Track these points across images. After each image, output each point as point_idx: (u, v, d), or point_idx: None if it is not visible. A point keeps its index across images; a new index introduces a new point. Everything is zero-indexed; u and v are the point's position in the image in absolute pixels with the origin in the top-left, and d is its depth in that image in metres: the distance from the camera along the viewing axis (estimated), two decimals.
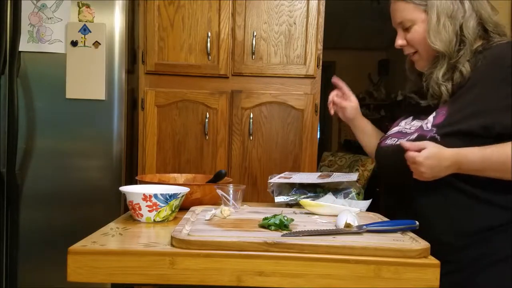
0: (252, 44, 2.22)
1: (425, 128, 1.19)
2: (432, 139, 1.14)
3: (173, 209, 1.21)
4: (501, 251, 1.14)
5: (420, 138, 1.17)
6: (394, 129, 1.35)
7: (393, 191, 1.30)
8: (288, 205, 1.41)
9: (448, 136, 1.14)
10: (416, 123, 1.27)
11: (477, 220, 1.15)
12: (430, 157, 1.09)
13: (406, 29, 1.26)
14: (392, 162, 1.25)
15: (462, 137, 1.13)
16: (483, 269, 1.14)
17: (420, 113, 1.29)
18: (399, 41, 1.29)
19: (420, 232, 1.03)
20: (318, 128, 2.30)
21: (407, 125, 1.31)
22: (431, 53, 1.23)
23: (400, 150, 1.21)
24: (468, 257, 1.15)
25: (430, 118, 1.21)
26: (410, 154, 1.11)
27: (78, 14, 2.11)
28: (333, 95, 1.47)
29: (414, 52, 1.28)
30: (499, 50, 1.17)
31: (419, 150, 1.10)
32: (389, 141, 1.31)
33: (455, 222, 1.16)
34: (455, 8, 1.19)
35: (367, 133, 1.50)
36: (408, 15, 1.24)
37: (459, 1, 1.19)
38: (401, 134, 1.29)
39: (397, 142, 1.26)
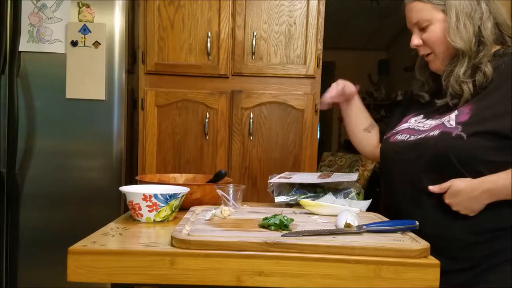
0: (252, 44, 2.22)
1: (448, 126, 1.17)
2: (458, 137, 1.13)
3: (173, 209, 1.21)
4: None
5: (444, 134, 1.16)
6: (404, 125, 1.34)
7: (400, 187, 1.28)
8: (288, 205, 1.41)
9: (475, 135, 1.13)
10: (431, 122, 1.26)
11: (491, 218, 1.14)
12: (454, 194, 1.12)
13: (422, 29, 1.25)
14: (405, 158, 1.24)
15: (489, 136, 1.12)
16: (495, 266, 1.14)
17: (433, 113, 1.28)
18: (415, 41, 1.28)
19: (431, 229, 1.03)
20: (318, 128, 2.30)
21: (419, 123, 1.30)
22: (447, 53, 1.23)
23: (415, 146, 1.20)
24: (480, 254, 1.15)
25: (452, 116, 1.19)
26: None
27: (78, 14, 2.11)
28: (339, 89, 1.45)
29: (429, 52, 1.27)
30: None
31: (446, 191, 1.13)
32: (399, 137, 1.29)
33: (468, 219, 1.15)
34: (473, 9, 1.20)
35: (361, 112, 1.52)
36: (425, 15, 1.23)
37: (476, 2, 1.20)
38: (413, 131, 1.27)
39: (410, 138, 1.25)
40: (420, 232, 1.03)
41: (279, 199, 1.41)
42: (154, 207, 1.17)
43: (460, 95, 1.21)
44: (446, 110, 1.24)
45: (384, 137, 1.39)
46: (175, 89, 2.23)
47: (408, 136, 1.26)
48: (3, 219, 2.06)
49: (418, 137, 1.23)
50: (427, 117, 1.30)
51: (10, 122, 2.03)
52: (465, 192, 1.11)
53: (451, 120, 1.19)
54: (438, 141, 1.16)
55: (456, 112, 1.20)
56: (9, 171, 2.03)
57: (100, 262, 0.90)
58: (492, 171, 1.13)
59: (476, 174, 1.13)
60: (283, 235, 0.95)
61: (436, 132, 1.19)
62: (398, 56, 5.78)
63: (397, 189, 1.28)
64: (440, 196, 1.16)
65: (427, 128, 1.24)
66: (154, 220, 1.18)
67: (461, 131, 1.14)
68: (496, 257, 1.14)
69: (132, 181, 2.17)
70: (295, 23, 2.24)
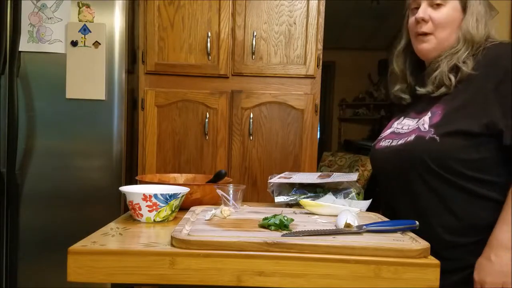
0: (252, 44, 2.22)
1: (422, 129, 1.19)
2: (432, 140, 1.15)
3: (173, 209, 1.21)
4: None
5: (418, 139, 1.18)
6: (388, 131, 1.36)
7: (392, 192, 1.30)
8: (288, 205, 1.41)
9: (448, 135, 1.14)
10: (408, 122, 1.28)
11: (480, 218, 1.15)
12: (477, 268, 1.11)
13: (432, 7, 1.25)
14: (389, 163, 1.26)
15: (461, 136, 1.13)
16: None
17: (410, 111, 1.30)
18: (422, 14, 1.25)
19: (422, 231, 1.03)
20: (318, 128, 2.30)
21: (399, 125, 1.32)
22: (445, 39, 1.24)
23: (396, 152, 1.22)
24: (471, 253, 1.15)
25: (426, 118, 1.21)
26: None
27: (78, 14, 2.11)
28: None
29: (428, 33, 1.26)
30: (496, 50, 1.19)
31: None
32: (383, 143, 1.31)
33: (457, 220, 1.16)
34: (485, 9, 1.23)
35: None
36: None
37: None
38: (395, 135, 1.29)
39: (392, 143, 1.26)
40: (418, 232, 1.03)
41: (279, 199, 1.41)
42: (154, 207, 1.17)
43: (441, 84, 1.21)
44: (421, 109, 1.25)
45: (372, 144, 1.40)
46: (175, 89, 2.23)
47: (391, 141, 1.29)
48: (3, 219, 2.06)
49: (399, 142, 1.24)
50: (405, 116, 1.32)
51: (10, 122, 2.02)
52: (482, 259, 1.11)
53: (425, 123, 1.20)
54: (414, 146, 1.18)
55: (429, 114, 1.21)
56: (9, 171, 2.03)
57: (100, 262, 0.89)
58: (469, 169, 1.14)
59: (454, 173, 1.15)
60: (283, 235, 0.95)
61: (412, 137, 1.20)
62: None
63: (390, 193, 1.30)
64: (431, 198, 1.18)
65: (405, 131, 1.26)
66: (154, 220, 1.18)
67: (434, 134, 1.15)
68: None
69: (132, 181, 2.17)
70: (295, 23, 2.24)
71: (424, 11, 1.25)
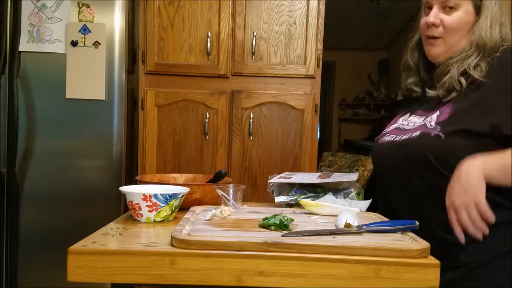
0: (252, 44, 2.22)
1: (428, 126, 1.19)
2: (436, 137, 1.15)
3: (173, 209, 1.21)
4: (501, 247, 1.15)
5: (424, 135, 1.17)
6: (392, 126, 1.35)
7: (391, 187, 1.29)
8: (288, 205, 1.41)
9: (453, 134, 1.14)
10: (414, 119, 1.27)
11: None
12: (448, 193, 1.09)
13: (445, 11, 1.23)
14: (390, 157, 1.25)
15: (466, 136, 1.13)
16: (483, 265, 1.15)
17: (417, 109, 1.30)
18: (433, 19, 1.23)
19: (420, 229, 1.04)
20: (318, 128, 2.31)
21: (405, 121, 1.31)
22: (455, 44, 1.24)
23: (399, 147, 1.21)
24: (465, 253, 1.15)
25: (434, 116, 1.20)
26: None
27: (78, 14, 2.11)
28: None
29: (438, 37, 1.25)
30: (509, 55, 1.18)
31: None
32: (387, 138, 1.31)
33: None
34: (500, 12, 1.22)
35: None
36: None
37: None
38: (399, 130, 1.29)
39: (395, 138, 1.26)
40: (416, 232, 1.03)
41: (279, 199, 1.41)
42: (154, 207, 1.17)
43: (452, 89, 1.21)
44: (430, 108, 1.25)
45: (375, 139, 1.40)
46: (175, 89, 2.23)
47: (394, 136, 1.28)
48: (3, 219, 2.06)
49: (403, 137, 1.24)
50: (411, 113, 1.31)
51: (10, 122, 2.03)
52: (452, 182, 1.09)
53: (432, 120, 1.20)
54: (418, 142, 1.18)
55: (437, 112, 1.21)
56: (9, 171, 2.03)
57: (100, 262, 0.89)
58: None
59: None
60: (283, 235, 0.95)
61: (417, 133, 1.20)
62: (398, 56, 5.77)
63: (388, 188, 1.29)
64: (430, 196, 1.17)
65: (411, 127, 1.25)
66: (154, 220, 1.18)
67: (439, 131, 1.15)
68: (485, 255, 1.15)
69: (132, 181, 2.18)
70: (295, 23, 2.24)
71: (435, 15, 1.24)
